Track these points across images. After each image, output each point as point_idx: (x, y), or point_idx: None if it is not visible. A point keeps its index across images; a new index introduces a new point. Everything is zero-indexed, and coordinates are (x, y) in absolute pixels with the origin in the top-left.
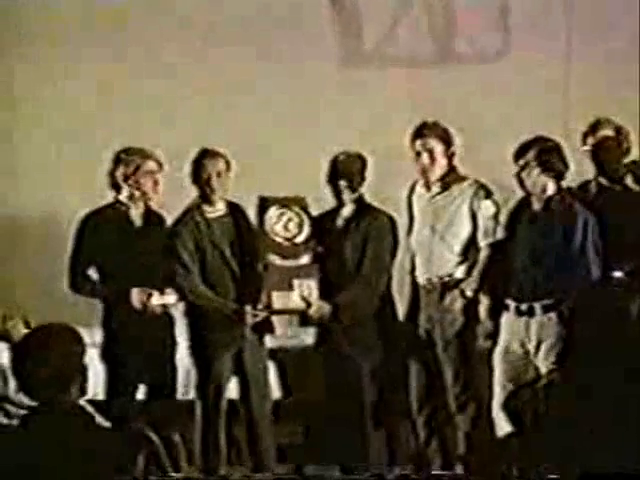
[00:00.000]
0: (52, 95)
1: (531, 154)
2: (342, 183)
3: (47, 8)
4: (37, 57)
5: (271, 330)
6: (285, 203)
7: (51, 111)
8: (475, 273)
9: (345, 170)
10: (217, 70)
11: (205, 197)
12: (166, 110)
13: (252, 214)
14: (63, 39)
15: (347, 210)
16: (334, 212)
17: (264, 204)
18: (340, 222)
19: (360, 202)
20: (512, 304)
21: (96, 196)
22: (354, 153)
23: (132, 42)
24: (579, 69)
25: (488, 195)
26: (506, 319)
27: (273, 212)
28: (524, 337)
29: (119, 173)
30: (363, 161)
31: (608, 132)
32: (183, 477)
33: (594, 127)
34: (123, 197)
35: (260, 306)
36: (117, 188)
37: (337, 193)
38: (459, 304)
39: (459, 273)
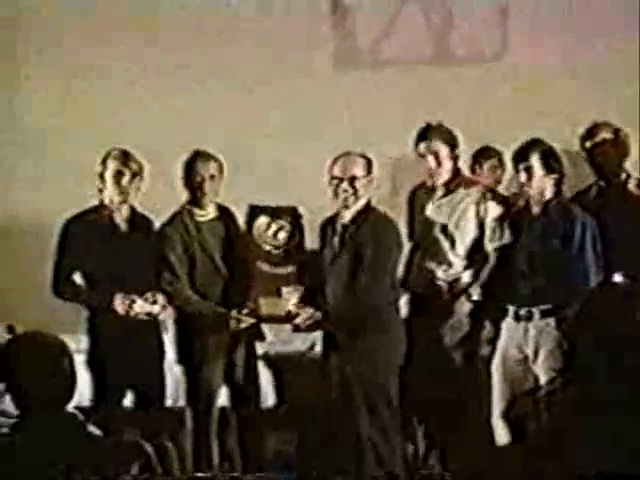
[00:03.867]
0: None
1: (534, 157)
2: (344, 186)
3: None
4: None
5: (261, 337)
6: (275, 212)
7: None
8: (482, 277)
9: (348, 172)
10: (210, 72)
11: (196, 200)
12: (159, 111)
13: (242, 221)
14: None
15: (348, 214)
16: (334, 217)
17: (254, 212)
18: (339, 227)
19: (366, 206)
20: (511, 308)
21: (85, 200)
22: (359, 154)
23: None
24: (577, 70)
25: (494, 197)
26: (505, 324)
27: (262, 221)
28: (522, 342)
29: (101, 175)
30: (369, 162)
31: (606, 135)
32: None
33: (592, 130)
34: (107, 200)
35: (247, 311)
36: (101, 191)
37: (338, 196)
38: (466, 308)
39: (466, 277)
